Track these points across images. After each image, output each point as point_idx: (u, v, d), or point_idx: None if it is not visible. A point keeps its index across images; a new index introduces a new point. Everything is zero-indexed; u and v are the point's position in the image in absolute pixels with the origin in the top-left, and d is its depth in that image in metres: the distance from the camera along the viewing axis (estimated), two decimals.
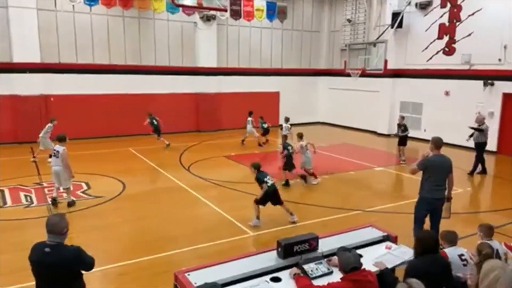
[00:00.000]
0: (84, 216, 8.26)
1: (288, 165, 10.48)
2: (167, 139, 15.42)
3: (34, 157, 12.91)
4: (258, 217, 7.75)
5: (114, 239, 7.21)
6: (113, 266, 6.14)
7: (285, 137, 12.24)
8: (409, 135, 13.66)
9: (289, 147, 10.52)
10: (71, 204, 8.74)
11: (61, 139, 8.61)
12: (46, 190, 9.93)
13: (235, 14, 16.28)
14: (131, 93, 17.69)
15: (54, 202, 8.72)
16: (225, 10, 15.59)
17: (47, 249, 3.40)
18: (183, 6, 16.08)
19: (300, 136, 10.92)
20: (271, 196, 7.64)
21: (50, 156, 9.84)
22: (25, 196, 9.47)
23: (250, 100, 19.27)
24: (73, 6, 16.14)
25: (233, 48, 20.44)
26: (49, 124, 12.58)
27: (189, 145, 16.06)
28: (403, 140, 13.52)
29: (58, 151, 8.49)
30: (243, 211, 8.29)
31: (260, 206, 7.75)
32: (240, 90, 20.23)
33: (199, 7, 15.76)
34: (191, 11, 17.56)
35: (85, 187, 10.24)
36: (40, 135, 12.53)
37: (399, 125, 13.62)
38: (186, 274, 4.04)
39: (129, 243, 7.10)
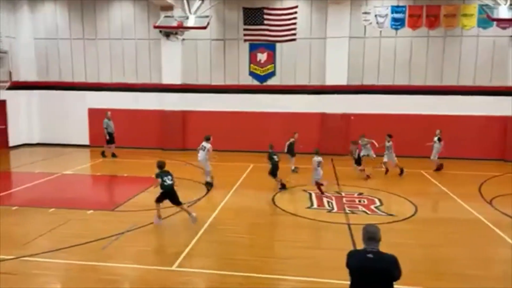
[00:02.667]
0: None
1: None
2: (458, 166, 14.11)
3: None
4: (159, 216, 8.74)
5: (404, 260, 7.20)
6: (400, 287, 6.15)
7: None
8: None
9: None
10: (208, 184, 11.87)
11: (207, 139, 11.98)
12: (344, 199, 11.06)
13: None
14: (432, 114, 17.11)
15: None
16: None
17: (369, 255, 3.79)
18: (500, 20, 14.35)
19: (316, 152, 11.60)
20: (167, 195, 8.66)
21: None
22: (328, 202, 10.86)
23: None
24: (380, 31, 17.36)
25: None
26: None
27: (490, 175, 14.11)
28: None
29: (205, 147, 11.75)
30: None
31: None
32: None
33: None
34: (508, 24, 15.45)
35: (378, 203, 10.74)
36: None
37: None
38: None
39: (419, 267, 6.93)
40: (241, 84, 18.65)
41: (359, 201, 10.94)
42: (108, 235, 8.15)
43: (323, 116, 18.13)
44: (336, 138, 17.77)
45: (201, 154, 12.08)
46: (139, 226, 8.77)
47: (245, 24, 18.18)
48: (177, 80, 18.66)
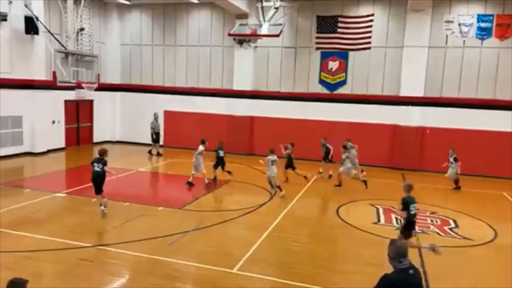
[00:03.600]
0: (451, 254, 8.06)
1: None
2: None
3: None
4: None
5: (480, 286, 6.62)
6: None
7: None
8: None
9: None
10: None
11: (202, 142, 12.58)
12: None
13: None
14: None
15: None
16: None
17: (411, 272, 3.74)
18: None
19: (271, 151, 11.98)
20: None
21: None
22: (396, 218, 10.33)
23: None
24: (463, 41, 16.26)
25: None
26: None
27: None
28: None
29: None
30: None
31: None
32: None
33: None
34: None
35: (452, 224, 10.00)
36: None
37: None
38: None
39: None
40: (310, 92, 18.54)
41: (432, 220, 10.27)
42: (175, 232, 8.51)
43: (396, 128, 17.35)
44: (408, 152, 16.92)
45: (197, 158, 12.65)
46: (204, 226, 9.04)
47: (317, 32, 18.09)
48: (247, 86, 19.05)
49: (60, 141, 18.45)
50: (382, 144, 17.48)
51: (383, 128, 17.48)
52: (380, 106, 17.52)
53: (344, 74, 18.17)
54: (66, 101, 18.68)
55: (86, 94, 18.88)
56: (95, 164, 9.20)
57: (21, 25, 15.75)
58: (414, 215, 7.49)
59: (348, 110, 17.83)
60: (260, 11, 16.46)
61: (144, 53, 21.10)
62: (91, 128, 20.55)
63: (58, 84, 16.05)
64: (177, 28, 20.39)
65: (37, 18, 15.73)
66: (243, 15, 18.14)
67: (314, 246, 8.44)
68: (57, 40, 16.23)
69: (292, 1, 17.99)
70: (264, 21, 16.52)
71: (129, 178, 13.73)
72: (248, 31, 16.76)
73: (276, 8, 17.13)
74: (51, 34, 16.16)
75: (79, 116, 19.86)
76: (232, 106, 19.31)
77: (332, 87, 18.36)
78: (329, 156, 15.08)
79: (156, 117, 18.42)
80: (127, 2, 20.16)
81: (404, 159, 16.85)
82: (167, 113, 20.52)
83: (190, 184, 12.67)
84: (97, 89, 19.03)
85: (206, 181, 12.71)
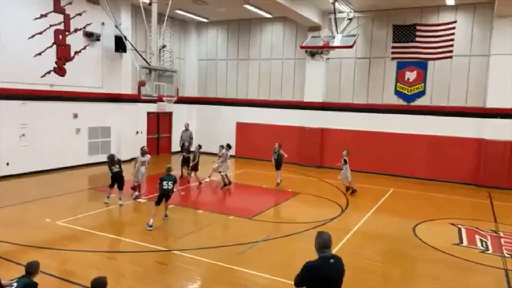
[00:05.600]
0: None
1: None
2: None
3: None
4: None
5: None
6: None
7: None
8: None
9: None
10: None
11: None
12: (502, 240, 9.51)
13: None
14: None
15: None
16: None
17: (331, 261, 4.15)
18: None
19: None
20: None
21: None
22: (481, 240, 9.48)
23: None
24: None
25: None
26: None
27: None
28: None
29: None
30: None
31: None
32: None
33: None
34: None
35: None
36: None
37: None
38: None
39: None
40: (385, 103, 17.86)
41: None
42: (245, 241, 8.67)
43: (481, 143, 15.98)
44: (496, 169, 15.46)
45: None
46: (273, 237, 9.09)
47: (394, 41, 17.45)
48: (318, 98, 18.92)
49: None
50: (465, 159, 16.22)
51: (467, 142, 16.22)
52: (463, 118, 16.30)
53: (422, 84, 17.25)
54: (148, 113, 20.10)
55: (166, 106, 20.14)
56: (164, 182, 9.51)
57: (112, 44, 17.37)
58: None
59: (427, 122, 16.86)
60: (333, 22, 16.35)
61: (219, 68, 22.00)
62: (169, 138, 21.82)
63: (142, 97, 17.26)
64: (251, 42, 20.98)
65: (125, 37, 17.21)
66: (316, 27, 18.13)
67: (387, 265, 8.04)
68: (142, 57, 17.49)
69: (366, 11, 17.59)
70: (337, 32, 16.37)
71: (203, 186, 14.31)
72: (320, 43, 16.69)
73: (350, 19, 16.92)
74: (137, 51, 17.51)
75: (159, 127, 21.24)
76: (303, 118, 19.28)
77: (409, 98, 17.52)
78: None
79: (185, 129, 18.70)
80: (205, 20, 21.26)
81: (491, 177, 15.43)
82: (239, 125, 21.11)
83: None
84: (175, 102, 20.20)
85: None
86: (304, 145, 19.22)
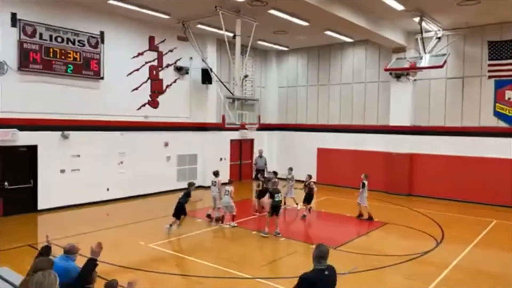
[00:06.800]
0: None
1: None
2: None
3: None
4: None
5: None
6: None
7: None
8: None
9: None
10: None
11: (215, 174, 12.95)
12: None
13: None
14: None
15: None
16: None
17: (326, 273, 4.50)
18: None
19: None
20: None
21: None
22: None
23: None
24: None
25: None
26: None
27: None
28: None
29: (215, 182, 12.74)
30: None
31: None
32: None
33: None
34: None
35: None
36: None
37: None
38: None
39: None
40: (483, 126, 16.30)
41: None
42: None
43: None
44: None
45: (213, 189, 12.87)
46: (360, 270, 8.59)
47: (489, 59, 16.04)
48: (405, 122, 17.93)
49: (225, 176, 20.43)
50: None
51: None
52: None
53: None
54: (231, 140, 20.80)
55: (248, 134, 20.69)
56: (275, 195, 11.15)
57: (199, 77, 18.50)
58: None
59: None
60: (419, 42, 15.62)
61: (299, 94, 22.13)
62: (251, 165, 22.24)
63: (226, 126, 18.02)
64: (331, 67, 20.84)
65: (211, 70, 18.25)
66: (400, 49, 17.44)
67: None
68: (226, 88, 18.37)
69: (457, 29, 16.50)
70: (425, 52, 15.58)
71: (286, 213, 14.21)
72: (406, 64, 16.02)
73: (438, 38, 16.00)
74: (222, 82, 18.45)
75: (241, 154, 21.81)
76: (389, 142, 18.36)
77: (510, 119, 15.81)
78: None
79: (260, 155, 18.90)
80: (285, 49, 21.72)
81: None
82: (320, 150, 20.80)
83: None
84: (257, 129, 20.67)
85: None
86: (391, 171, 18.22)
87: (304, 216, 13.37)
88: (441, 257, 9.67)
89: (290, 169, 14.89)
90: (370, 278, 8.32)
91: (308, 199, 13.48)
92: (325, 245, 4.67)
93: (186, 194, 11.67)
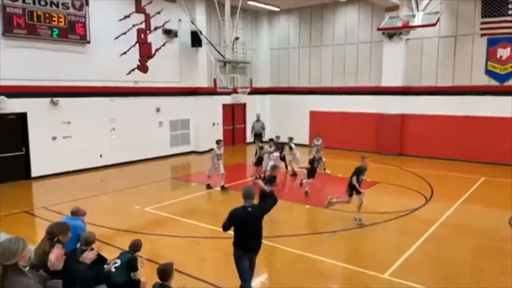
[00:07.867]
0: None
1: None
2: None
3: None
4: None
5: None
6: None
7: None
8: None
9: None
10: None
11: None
12: None
13: None
14: None
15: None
16: None
17: (249, 209, 5.41)
18: None
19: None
20: None
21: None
22: None
23: None
24: None
25: None
26: None
27: None
28: None
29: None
30: None
31: None
32: None
33: None
34: None
35: None
36: None
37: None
38: None
39: None
40: (474, 84, 16.34)
41: None
42: (323, 231, 8.56)
43: None
44: None
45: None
46: (353, 228, 8.86)
47: (483, 16, 15.84)
48: (397, 83, 17.89)
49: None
50: None
51: None
52: None
53: None
54: (223, 105, 20.66)
55: (240, 98, 20.54)
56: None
57: (188, 40, 18.07)
58: None
59: None
60: (412, 0, 15.32)
61: (291, 56, 21.83)
62: (244, 129, 22.26)
63: (218, 90, 17.83)
64: (323, 28, 20.46)
65: (200, 32, 17.82)
66: (393, 7, 17.11)
67: (479, 260, 7.41)
68: (217, 50, 18.07)
69: None
70: (418, 10, 15.32)
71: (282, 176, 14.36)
72: (399, 23, 15.79)
73: None
74: (212, 45, 18.08)
75: (234, 118, 21.75)
76: (380, 103, 18.39)
77: (502, 78, 15.84)
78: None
79: (257, 119, 19.20)
80: (277, 9, 21.18)
81: None
82: (312, 114, 20.81)
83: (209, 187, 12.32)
84: (249, 93, 20.53)
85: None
86: (383, 132, 18.38)
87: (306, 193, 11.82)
88: (430, 214, 9.97)
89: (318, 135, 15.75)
90: (363, 234, 8.60)
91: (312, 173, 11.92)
92: (251, 186, 5.87)
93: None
